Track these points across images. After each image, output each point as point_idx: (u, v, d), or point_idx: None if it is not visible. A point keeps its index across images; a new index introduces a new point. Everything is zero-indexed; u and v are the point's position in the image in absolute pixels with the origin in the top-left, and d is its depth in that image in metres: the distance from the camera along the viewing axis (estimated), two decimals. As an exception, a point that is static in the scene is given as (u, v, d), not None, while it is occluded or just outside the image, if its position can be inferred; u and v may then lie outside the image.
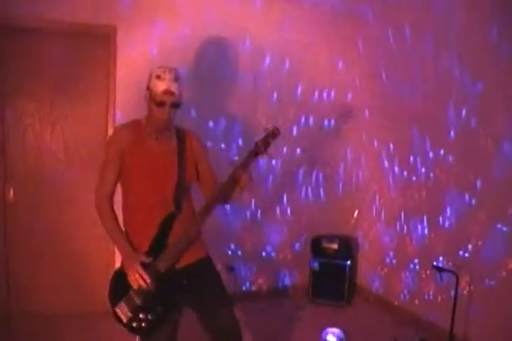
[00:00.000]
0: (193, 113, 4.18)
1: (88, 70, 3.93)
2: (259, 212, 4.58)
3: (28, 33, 3.73)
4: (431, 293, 3.93)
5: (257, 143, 2.46)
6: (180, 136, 2.62)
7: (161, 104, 2.38)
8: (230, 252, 4.52)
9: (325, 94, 4.72)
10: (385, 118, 4.54)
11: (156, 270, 2.42)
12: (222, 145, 4.32)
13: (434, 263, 3.67)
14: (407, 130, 4.21)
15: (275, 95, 4.51)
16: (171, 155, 2.56)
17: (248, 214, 4.56)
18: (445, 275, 3.55)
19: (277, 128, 2.49)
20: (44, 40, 3.80)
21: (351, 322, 4.16)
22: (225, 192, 2.50)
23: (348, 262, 4.50)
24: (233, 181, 2.45)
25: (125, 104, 3.89)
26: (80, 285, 4.10)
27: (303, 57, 4.58)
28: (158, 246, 2.47)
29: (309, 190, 4.77)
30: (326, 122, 4.77)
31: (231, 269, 4.52)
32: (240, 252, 4.57)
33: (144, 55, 3.95)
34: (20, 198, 3.85)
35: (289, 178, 4.69)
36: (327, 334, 3.68)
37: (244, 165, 2.45)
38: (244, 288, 4.60)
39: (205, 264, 2.66)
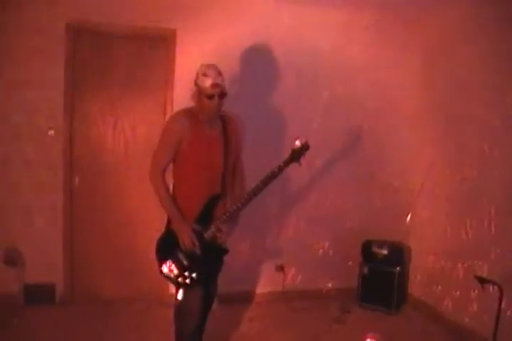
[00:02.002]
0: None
1: (149, 70, 4.21)
2: (312, 213, 4.64)
3: (96, 36, 4.09)
4: (479, 305, 3.76)
5: (293, 151, 2.80)
6: (225, 122, 2.98)
7: (211, 96, 2.76)
8: (281, 251, 4.61)
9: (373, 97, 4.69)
10: (437, 122, 4.44)
11: (202, 237, 2.86)
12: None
13: (477, 274, 3.52)
14: (460, 133, 4.09)
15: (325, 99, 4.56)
16: (218, 140, 2.92)
17: (303, 214, 4.63)
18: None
19: (307, 143, 2.81)
20: (109, 43, 4.14)
21: (396, 330, 4.08)
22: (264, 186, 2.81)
23: (398, 269, 4.41)
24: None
25: (182, 103, 4.00)
26: (135, 272, 4.35)
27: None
28: (205, 218, 2.88)
29: (363, 194, 4.75)
30: (373, 126, 4.72)
31: (281, 268, 4.62)
32: (291, 251, 4.64)
33: (201, 57, 3.99)
34: (84, 185, 4.20)
35: (343, 182, 4.70)
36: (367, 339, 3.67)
37: (280, 169, 2.79)
38: (292, 287, 4.65)
39: (225, 250, 3.09)
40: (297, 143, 2.80)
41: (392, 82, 4.70)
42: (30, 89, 3.98)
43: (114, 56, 4.15)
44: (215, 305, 3.30)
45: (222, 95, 2.79)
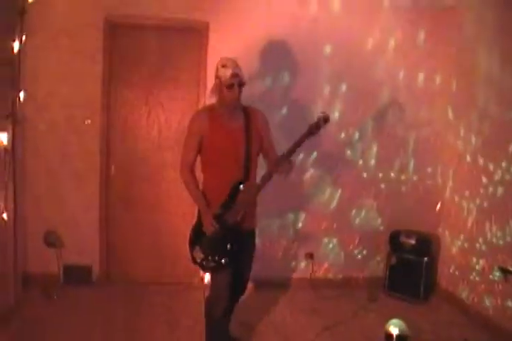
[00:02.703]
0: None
1: (182, 62, 4.35)
2: (342, 202, 4.69)
3: (131, 29, 4.26)
4: (503, 297, 3.74)
5: (311, 126, 2.89)
6: (247, 114, 3.12)
7: (231, 85, 2.93)
8: (311, 238, 4.69)
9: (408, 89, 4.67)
10: (469, 116, 4.39)
11: (225, 221, 3.03)
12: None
13: (500, 265, 3.50)
14: (491, 127, 4.06)
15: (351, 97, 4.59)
16: (240, 132, 3.07)
17: (333, 203, 4.69)
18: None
19: (328, 116, 2.91)
20: (144, 35, 4.29)
21: (422, 319, 4.10)
22: (278, 166, 2.96)
23: (425, 259, 4.42)
24: (286, 157, 2.93)
25: (214, 93, 4.22)
26: (168, 255, 4.52)
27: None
28: (229, 203, 3.05)
29: (392, 184, 4.75)
30: (402, 117, 4.70)
31: (310, 256, 4.70)
32: (321, 239, 4.72)
33: (233, 49, 4.17)
34: (119, 172, 4.40)
35: (373, 171, 4.72)
36: (390, 325, 3.71)
37: (298, 143, 2.89)
38: (320, 275, 4.74)
39: (253, 235, 3.31)
40: (317, 115, 2.89)
41: (424, 73, 4.65)
42: (68, 81, 4.18)
43: (149, 48, 4.30)
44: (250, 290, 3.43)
45: (241, 84, 2.96)
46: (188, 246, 3.12)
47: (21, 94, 3.77)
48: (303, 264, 4.73)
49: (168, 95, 4.38)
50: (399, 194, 4.79)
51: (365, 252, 4.80)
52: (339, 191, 4.70)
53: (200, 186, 3.14)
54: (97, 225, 4.39)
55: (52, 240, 4.23)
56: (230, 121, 3.06)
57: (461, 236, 4.41)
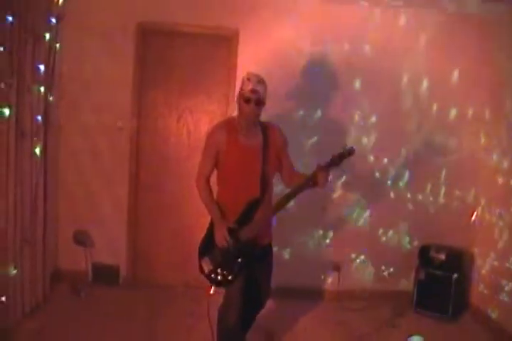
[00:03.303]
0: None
1: (212, 68, 4.40)
2: (371, 214, 4.61)
3: (162, 35, 4.36)
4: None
5: (333, 156, 2.89)
6: (265, 131, 3.10)
7: (247, 100, 2.92)
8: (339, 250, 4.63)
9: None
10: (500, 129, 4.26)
11: (238, 237, 3.00)
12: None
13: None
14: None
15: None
16: (257, 149, 3.05)
17: (362, 215, 4.61)
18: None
19: (353, 149, 2.91)
20: (175, 41, 4.37)
21: (450, 338, 3.98)
22: (301, 189, 2.95)
23: (455, 275, 4.25)
24: (311, 181, 2.91)
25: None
26: (195, 260, 4.51)
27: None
28: (244, 220, 3.02)
29: (424, 196, 4.62)
30: (434, 128, 4.57)
31: (337, 268, 4.62)
32: (348, 251, 4.64)
33: (262, 56, 4.29)
34: (148, 176, 4.50)
35: (403, 183, 4.61)
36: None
37: (324, 169, 2.87)
38: (347, 287, 4.64)
39: (269, 249, 3.29)
40: (343, 147, 2.89)
41: (458, 86, 4.52)
42: (100, 87, 4.31)
43: (179, 54, 4.37)
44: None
45: (259, 102, 2.92)
46: (198, 254, 3.11)
47: (51, 98, 3.88)
48: (329, 276, 4.66)
49: (197, 101, 4.45)
50: (430, 210, 4.64)
51: (393, 266, 4.67)
52: (368, 204, 4.60)
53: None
54: (125, 226, 4.50)
55: (81, 239, 4.37)
56: (248, 137, 3.03)
57: (492, 255, 4.24)
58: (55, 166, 4.26)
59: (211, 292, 3.17)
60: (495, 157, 4.39)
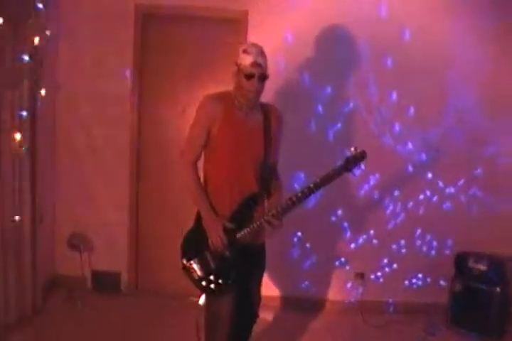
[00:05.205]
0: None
1: (220, 53, 4.02)
2: (401, 219, 4.12)
3: (163, 19, 4.03)
4: None
5: (347, 160, 2.49)
6: (266, 112, 2.66)
7: (250, 76, 2.47)
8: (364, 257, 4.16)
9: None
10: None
11: (235, 239, 2.54)
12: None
13: None
14: None
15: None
16: (258, 132, 2.61)
17: (391, 219, 4.13)
18: None
19: (365, 153, 2.51)
20: (180, 26, 4.04)
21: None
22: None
23: (498, 289, 3.69)
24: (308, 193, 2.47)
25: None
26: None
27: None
28: (241, 218, 2.56)
29: (462, 197, 4.08)
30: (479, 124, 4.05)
31: (361, 276, 4.17)
32: (373, 259, 4.17)
33: (274, 40, 3.90)
34: (150, 174, 4.16)
35: (437, 185, 4.10)
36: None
37: (329, 177, 2.47)
38: (371, 298, 4.17)
39: (263, 250, 2.79)
40: (352, 151, 2.50)
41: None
42: (97, 75, 4.00)
43: (183, 39, 4.03)
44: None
45: (263, 77, 2.50)
46: (180, 253, 2.65)
47: (42, 91, 3.54)
48: (352, 285, 4.19)
49: (203, 90, 3.91)
50: (472, 213, 4.11)
51: (425, 275, 4.17)
52: (398, 207, 4.12)
53: None
54: (125, 229, 4.16)
55: (76, 243, 4.05)
56: (248, 115, 2.58)
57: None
58: (49, 164, 3.96)
59: (200, 302, 2.72)
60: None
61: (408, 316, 4.10)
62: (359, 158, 2.49)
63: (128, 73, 4.02)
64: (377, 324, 3.95)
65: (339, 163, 2.48)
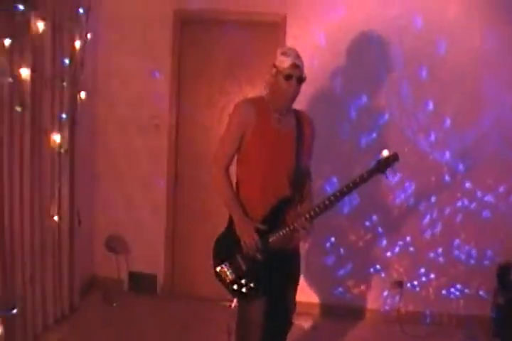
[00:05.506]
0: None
1: (258, 57, 4.00)
2: (441, 225, 3.96)
3: (202, 24, 4.04)
4: None
5: (379, 162, 2.50)
6: (298, 117, 2.68)
7: (288, 77, 2.50)
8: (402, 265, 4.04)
9: None
10: None
11: (267, 242, 2.53)
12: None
13: None
14: None
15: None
16: (291, 137, 2.62)
17: (430, 226, 3.98)
18: None
19: (397, 155, 2.51)
20: (218, 30, 4.03)
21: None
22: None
23: (545, 303, 3.52)
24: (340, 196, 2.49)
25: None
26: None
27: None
28: (273, 221, 2.55)
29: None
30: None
31: (399, 284, 4.03)
32: (413, 267, 4.03)
33: (311, 43, 3.88)
34: (187, 176, 4.16)
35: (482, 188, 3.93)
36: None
37: (363, 178, 2.47)
38: (409, 308, 4.03)
39: (297, 255, 2.77)
40: (385, 153, 2.51)
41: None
42: (135, 79, 4.05)
43: (220, 43, 4.03)
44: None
45: (301, 79, 2.53)
46: (212, 257, 2.66)
47: (82, 94, 3.64)
48: (389, 294, 4.06)
49: (241, 94, 4.03)
50: (510, 223, 3.90)
51: (466, 286, 3.99)
52: (438, 214, 3.96)
53: None
54: (162, 233, 4.18)
55: (113, 245, 4.09)
56: (281, 120, 2.59)
57: None
58: (87, 167, 4.02)
59: (233, 305, 2.74)
60: None
61: (447, 328, 3.95)
62: (392, 159, 2.49)
63: (166, 77, 4.04)
64: (416, 334, 3.79)
65: (372, 164, 2.49)
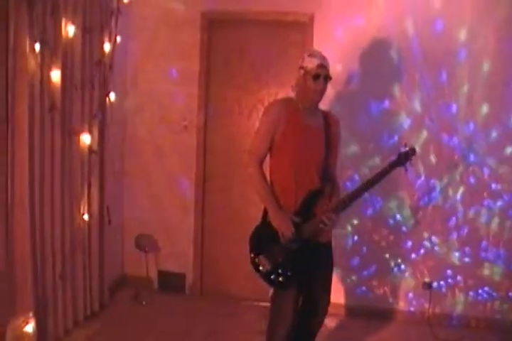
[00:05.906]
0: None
1: (285, 57, 4.00)
2: (475, 225, 3.88)
3: (229, 25, 4.07)
4: None
5: (400, 155, 2.73)
6: (325, 116, 2.88)
7: (317, 76, 2.70)
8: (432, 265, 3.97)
9: None
10: None
11: (302, 233, 2.67)
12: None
13: None
14: None
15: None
16: (319, 134, 2.81)
17: (462, 226, 3.90)
18: None
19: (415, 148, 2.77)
20: (245, 30, 4.05)
21: None
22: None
23: None
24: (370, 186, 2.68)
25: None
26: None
27: None
28: (305, 213, 2.70)
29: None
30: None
31: (429, 286, 3.96)
32: (443, 268, 3.95)
33: (338, 43, 3.86)
34: (215, 179, 4.18)
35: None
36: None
37: (385, 171, 2.69)
38: (439, 310, 3.96)
39: (329, 247, 2.91)
40: (405, 147, 2.76)
41: None
42: (164, 80, 4.10)
43: (249, 43, 4.05)
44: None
45: (327, 78, 2.74)
46: (249, 250, 2.76)
47: (112, 95, 3.71)
48: (418, 296, 4.00)
49: (270, 94, 4.06)
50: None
51: (500, 288, 3.88)
52: (464, 217, 3.90)
53: None
54: (191, 232, 4.22)
55: (142, 244, 4.14)
56: (310, 118, 2.77)
57: None
58: (117, 166, 4.09)
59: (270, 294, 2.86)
60: None
61: (482, 333, 3.84)
62: (410, 153, 2.72)
63: (194, 78, 4.07)
64: (447, 338, 3.70)
65: (393, 158, 2.70)
